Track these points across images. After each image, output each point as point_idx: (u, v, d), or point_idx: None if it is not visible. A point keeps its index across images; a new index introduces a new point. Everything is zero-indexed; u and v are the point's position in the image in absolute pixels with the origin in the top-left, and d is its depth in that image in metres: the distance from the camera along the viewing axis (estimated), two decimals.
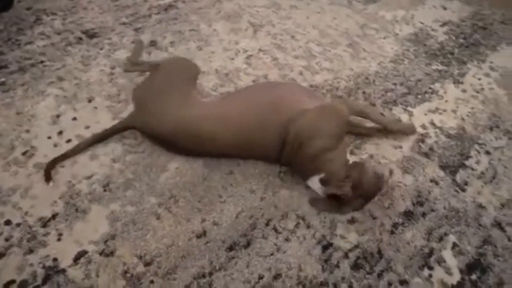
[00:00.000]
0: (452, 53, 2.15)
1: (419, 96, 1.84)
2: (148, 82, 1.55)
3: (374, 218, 1.33)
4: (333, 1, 2.48)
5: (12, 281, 1.08)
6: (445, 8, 2.56)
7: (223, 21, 2.13)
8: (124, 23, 2.04)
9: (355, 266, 1.20)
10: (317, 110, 1.38)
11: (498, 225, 1.37)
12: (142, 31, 1.99)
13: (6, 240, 1.16)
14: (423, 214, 1.36)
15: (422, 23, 2.38)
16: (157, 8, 2.18)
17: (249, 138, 1.35)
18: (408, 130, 1.62)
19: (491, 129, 1.72)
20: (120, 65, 1.78)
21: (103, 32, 1.96)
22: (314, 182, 1.31)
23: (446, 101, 1.84)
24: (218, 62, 1.86)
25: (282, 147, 1.34)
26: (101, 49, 1.86)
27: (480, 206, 1.42)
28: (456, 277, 1.21)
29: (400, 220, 1.34)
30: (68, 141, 1.44)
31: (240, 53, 1.94)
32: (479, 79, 2.00)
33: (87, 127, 1.50)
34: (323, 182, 1.29)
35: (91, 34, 1.94)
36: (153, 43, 1.93)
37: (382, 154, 1.53)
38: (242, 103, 1.42)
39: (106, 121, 1.53)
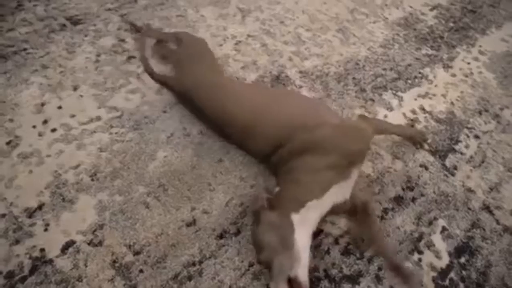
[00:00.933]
0: (441, 37, 2.14)
1: (409, 81, 1.83)
2: (181, 51, 1.59)
3: None
4: None
5: None
6: None
7: (211, 7, 2.09)
8: (109, 9, 1.98)
9: (346, 252, 1.21)
10: (340, 126, 1.26)
11: (487, 208, 1.38)
12: (128, 17, 1.94)
13: None
14: (413, 199, 1.37)
15: (411, 7, 2.36)
16: None
17: (251, 123, 1.27)
18: (417, 135, 1.52)
19: (480, 113, 1.73)
20: (106, 52, 1.74)
21: (88, 19, 1.91)
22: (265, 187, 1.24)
23: (436, 85, 1.83)
24: None
25: (276, 148, 1.23)
26: (86, 36, 1.81)
27: (469, 190, 1.42)
28: (445, 261, 1.22)
29: (390, 206, 1.34)
30: (53, 130, 1.41)
31: (228, 39, 1.91)
32: (468, 63, 1.99)
33: (73, 116, 1.47)
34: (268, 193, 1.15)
35: (75, 21, 1.88)
36: (139, 30, 1.88)
37: (372, 140, 1.52)
38: (264, 93, 1.43)
39: (92, 110, 1.50)
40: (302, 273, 0.99)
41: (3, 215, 1.18)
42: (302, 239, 1.05)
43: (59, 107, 1.49)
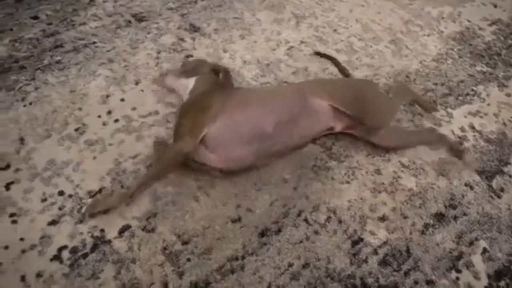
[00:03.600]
0: (499, 55, 2.10)
1: (460, 98, 1.81)
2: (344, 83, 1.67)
3: (405, 217, 1.35)
4: None
5: (65, 246, 1.18)
6: (495, 6, 2.47)
7: (267, 11, 2.15)
8: (171, 8, 2.10)
9: (383, 263, 1.24)
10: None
11: None
12: (188, 17, 2.05)
13: (60, 209, 1.26)
14: (455, 218, 1.37)
15: (469, 21, 2.31)
16: None
17: None
18: None
19: None
20: (166, 50, 1.84)
21: (151, 16, 2.03)
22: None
23: (488, 104, 1.80)
24: (259, 52, 1.90)
25: None
26: (149, 33, 1.93)
27: None
28: (483, 282, 1.23)
29: (431, 222, 1.35)
30: (116, 120, 1.53)
31: (281, 44, 1.96)
32: None
33: (134, 109, 1.58)
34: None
35: (139, 18, 2.01)
36: (197, 30, 1.98)
37: (418, 155, 1.53)
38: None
39: (151, 104, 1.60)
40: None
41: (70, 196, 1.30)
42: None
43: (122, 100, 1.61)
